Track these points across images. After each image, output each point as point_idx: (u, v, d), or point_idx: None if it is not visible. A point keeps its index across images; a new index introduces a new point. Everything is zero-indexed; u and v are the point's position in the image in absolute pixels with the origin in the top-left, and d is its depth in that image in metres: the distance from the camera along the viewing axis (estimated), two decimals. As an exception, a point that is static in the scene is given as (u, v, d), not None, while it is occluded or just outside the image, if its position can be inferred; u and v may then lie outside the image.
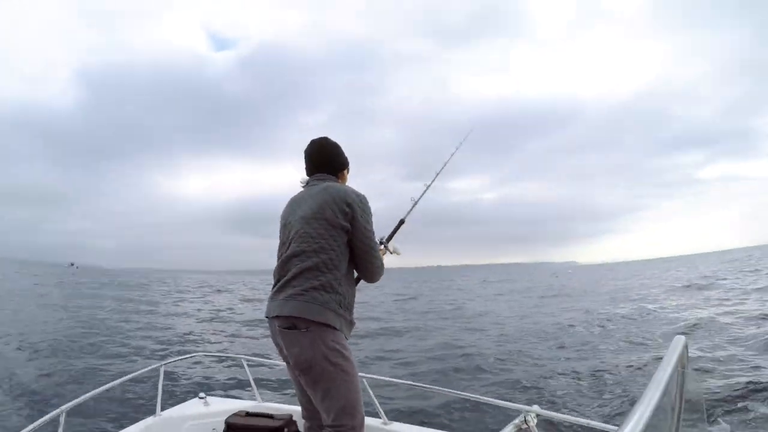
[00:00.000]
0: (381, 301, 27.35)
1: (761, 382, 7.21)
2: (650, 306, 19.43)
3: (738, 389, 7.05)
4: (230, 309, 24.57)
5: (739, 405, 6.34)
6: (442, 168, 3.63)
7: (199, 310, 23.98)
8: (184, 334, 15.60)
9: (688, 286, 28.02)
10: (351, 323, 2.53)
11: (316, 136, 2.82)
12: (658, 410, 1.02)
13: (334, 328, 2.39)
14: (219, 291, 39.32)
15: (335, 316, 2.40)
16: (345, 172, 2.86)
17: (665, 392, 1.07)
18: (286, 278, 2.47)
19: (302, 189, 2.78)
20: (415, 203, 3.34)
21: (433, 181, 3.51)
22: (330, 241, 2.44)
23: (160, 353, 12.45)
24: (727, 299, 19.33)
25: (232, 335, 15.71)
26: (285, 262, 2.52)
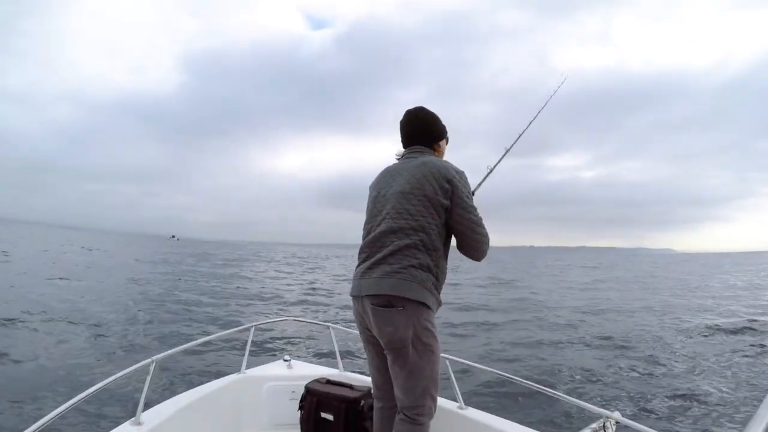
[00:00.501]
0: (476, 284, 26.83)
1: None
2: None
3: None
4: (320, 283, 25.27)
5: None
6: (526, 128, 3.40)
7: (289, 284, 24.85)
8: (275, 299, 16.26)
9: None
10: (440, 303, 2.46)
11: (413, 104, 2.66)
12: None
13: (429, 307, 2.34)
14: (310, 268, 39.94)
15: (430, 296, 2.34)
16: (443, 143, 2.74)
17: None
18: (381, 254, 2.37)
19: (397, 161, 2.68)
20: (491, 171, 3.10)
21: (513, 143, 3.29)
22: (429, 219, 2.35)
23: (252, 316, 13.09)
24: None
25: (324, 304, 16.18)
26: (379, 237, 2.42)
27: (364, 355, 2.73)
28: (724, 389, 8.04)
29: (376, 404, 2.70)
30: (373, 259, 2.40)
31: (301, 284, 23.85)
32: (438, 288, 2.41)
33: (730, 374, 9.02)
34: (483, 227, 2.44)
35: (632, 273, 45.30)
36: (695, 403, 7.32)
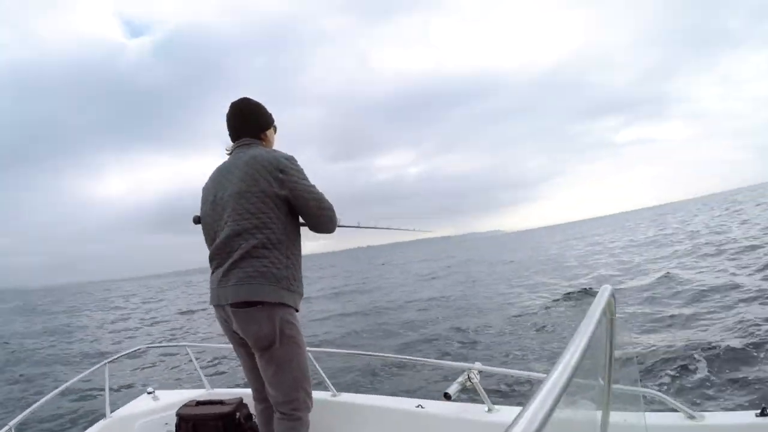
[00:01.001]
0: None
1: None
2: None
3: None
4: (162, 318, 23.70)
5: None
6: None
7: (136, 318, 23.18)
8: (126, 330, 15.16)
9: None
10: (301, 295, 2.51)
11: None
12: (587, 357, 1.06)
13: (289, 305, 2.39)
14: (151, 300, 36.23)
15: (288, 293, 2.38)
16: (270, 132, 2.71)
17: (591, 339, 1.08)
18: (231, 260, 2.36)
19: (228, 156, 2.63)
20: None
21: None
22: (270, 214, 2.36)
23: (104, 353, 12.12)
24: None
25: (172, 328, 15.38)
26: (226, 242, 2.39)
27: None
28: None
29: (258, 406, 2.71)
30: (225, 266, 2.38)
31: (144, 320, 22.12)
32: (295, 281, 2.45)
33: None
34: (326, 201, 2.49)
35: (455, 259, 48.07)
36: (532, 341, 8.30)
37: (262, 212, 2.36)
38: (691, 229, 30.69)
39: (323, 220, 2.50)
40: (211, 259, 2.50)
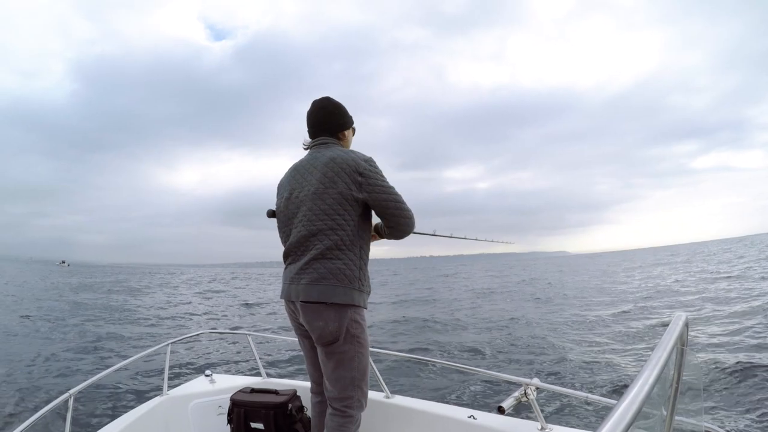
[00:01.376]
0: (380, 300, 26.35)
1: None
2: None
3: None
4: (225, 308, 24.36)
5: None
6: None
7: (198, 304, 23.91)
8: (188, 315, 15.69)
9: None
10: (369, 293, 2.53)
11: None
12: (656, 388, 1.03)
13: (357, 305, 2.42)
14: (215, 292, 35.63)
15: (358, 293, 2.41)
16: (348, 132, 2.74)
17: (663, 369, 1.07)
18: (305, 259, 2.41)
19: (305, 152, 2.67)
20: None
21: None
22: (345, 216, 2.39)
23: (166, 335, 12.59)
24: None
25: (238, 315, 15.79)
26: (301, 241, 2.45)
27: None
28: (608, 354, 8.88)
29: (314, 399, 2.74)
30: (299, 263, 2.43)
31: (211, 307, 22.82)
32: (364, 281, 2.47)
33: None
34: (405, 204, 2.49)
35: (532, 274, 47.04)
36: (591, 365, 7.98)
37: (337, 214, 2.38)
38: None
39: (402, 222, 2.50)
40: (286, 255, 2.55)
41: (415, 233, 2.70)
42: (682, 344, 1.41)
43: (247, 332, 4.29)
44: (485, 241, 3.88)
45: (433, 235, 3.15)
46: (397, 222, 2.48)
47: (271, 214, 2.71)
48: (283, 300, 2.60)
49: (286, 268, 2.55)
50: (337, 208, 2.38)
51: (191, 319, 16.64)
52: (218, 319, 16.19)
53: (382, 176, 2.48)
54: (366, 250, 2.52)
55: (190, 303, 23.21)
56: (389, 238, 2.63)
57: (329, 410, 2.52)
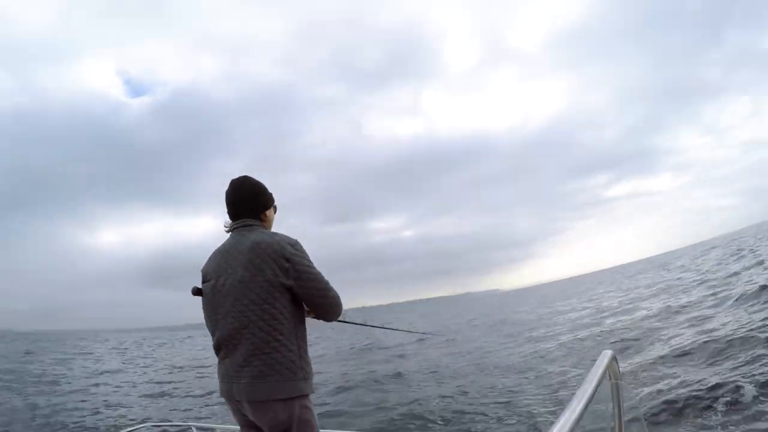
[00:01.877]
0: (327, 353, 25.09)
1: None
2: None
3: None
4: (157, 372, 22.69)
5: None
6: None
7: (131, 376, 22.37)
8: (120, 404, 14.52)
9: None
10: (312, 375, 2.46)
11: (233, 176, 2.62)
12: (591, 427, 1.03)
13: (306, 394, 2.38)
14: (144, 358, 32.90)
15: (303, 382, 2.36)
16: (270, 212, 2.69)
17: (589, 403, 1.11)
18: (242, 354, 2.33)
19: (228, 235, 2.60)
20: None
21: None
22: (276, 304, 2.32)
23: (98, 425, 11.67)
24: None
25: (174, 401, 14.78)
26: (233, 335, 2.36)
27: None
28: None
29: None
30: (236, 359, 2.35)
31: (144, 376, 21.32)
32: (307, 368, 2.40)
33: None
34: (331, 290, 2.46)
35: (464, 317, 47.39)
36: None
37: (267, 303, 2.32)
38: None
39: (328, 309, 2.49)
40: (218, 348, 2.47)
41: (343, 322, 2.71)
42: (616, 378, 1.43)
43: (191, 423, 4.15)
44: (410, 332, 3.87)
45: (363, 324, 3.19)
46: (324, 310, 2.49)
47: (197, 292, 2.60)
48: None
49: (220, 363, 2.46)
50: (266, 297, 2.32)
51: (127, 405, 15.39)
52: (157, 406, 15.05)
53: (309, 260, 2.45)
54: (303, 335, 2.47)
55: (119, 372, 21.83)
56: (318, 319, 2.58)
57: None
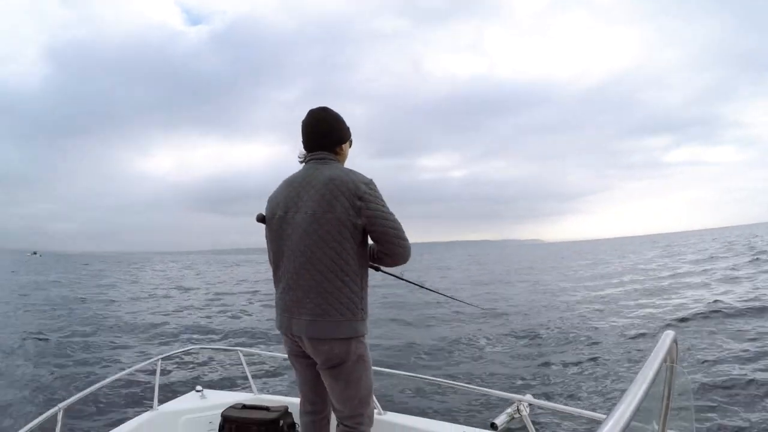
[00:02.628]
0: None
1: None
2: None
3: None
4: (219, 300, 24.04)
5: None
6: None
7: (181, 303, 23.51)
8: (178, 328, 15.46)
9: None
10: (367, 315, 2.45)
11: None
12: (644, 405, 1.05)
13: (362, 335, 2.40)
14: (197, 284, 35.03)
15: (362, 324, 2.38)
16: (346, 146, 2.62)
17: (650, 386, 1.09)
18: (304, 290, 2.33)
19: (301, 165, 2.56)
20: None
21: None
22: (344, 243, 2.30)
23: (155, 348, 12.45)
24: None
25: (229, 328, 15.57)
26: (297, 268, 2.35)
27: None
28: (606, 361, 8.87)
29: (305, 418, 2.69)
30: (297, 294, 2.36)
31: (195, 302, 22.51)
32: (365, 308, 2.41)
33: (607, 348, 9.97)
34: (404, 234, 2.41)
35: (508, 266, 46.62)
36: (589, 377, 7.96)
37: (336, 241, 2.30)
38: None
39: (398, 252, 2.42)
40: (278, 279, 2.49)
41: (384, 272, 2.67)
42: (671, 361, 1.43)
43: (237, 348, 4.26)
44: (445, 296, 3.77)
45: (399, 278, 3.07)
46: (393, 252, 2.41)
47: (261, 218, 2.60)
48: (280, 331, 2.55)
49: (280, 295, 2.48)
50: (336, 235, 2.30)
51: (184, 329, 16.39)
52: (211, 330, 15.98)
53: (383, 201, 2.40)
54: (366, 277, 2.46)
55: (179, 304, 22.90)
56: (377, 263, 2.56)
57: (339, 428, 2.51)
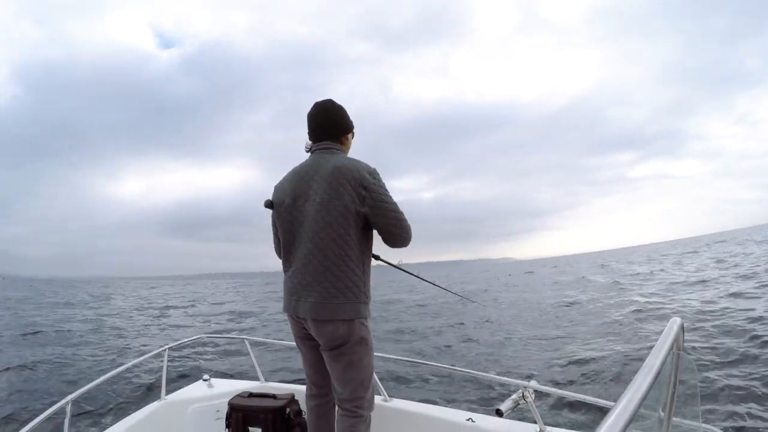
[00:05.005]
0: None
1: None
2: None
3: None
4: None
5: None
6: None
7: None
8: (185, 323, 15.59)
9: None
10: (370, 299, 2.54)
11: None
12: (652, 392, 1.05)
13: (365, 317, 2.48)
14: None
15: (365, 307, 2.46)
16: (350, 136, 2.73)
17: (658, 374, 1.10)
18: (311, 274, 2.42)
19: (308, 155, 2.65)
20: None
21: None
22: (350, 230, 2.38)
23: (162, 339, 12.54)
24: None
25: (234, 320, 15.71)
26: (306, 253, 2.44)
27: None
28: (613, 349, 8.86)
29: (311, 402, 2.75)
30: (306, 279, 2.44)
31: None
32: (367, 292, 2.50)
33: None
34: (406, 220, 2.51)
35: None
36: (592, 366, 7.98)
37: (342, 227, 2.38)
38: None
39: (400, 239, 2.51)
40: (288, 264, 2.56)
41: (382, 261, 2.72)
42: (678, 348, 1.44)
43: (244, 336, 4.29)
44: (446, 290, 3.76)
45: (396, 267, 3.11)
46: (395, 239, 2.50)
47: (269, 204, 2.66)
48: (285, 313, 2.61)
49: (289, 279, 2.55)
50: (342, 221, 2.38)
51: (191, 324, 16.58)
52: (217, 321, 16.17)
53: (386, 190, 2.48)
54: (369, 262, 2.54)
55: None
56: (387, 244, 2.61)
57: (340, 411, 2.56)
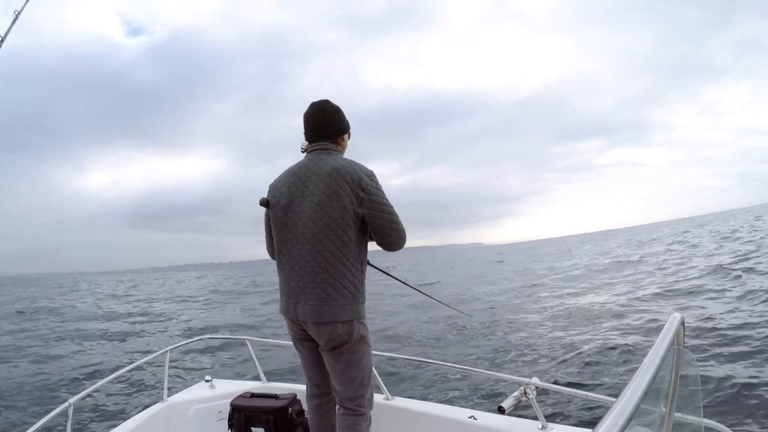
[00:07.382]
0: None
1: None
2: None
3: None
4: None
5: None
6: None
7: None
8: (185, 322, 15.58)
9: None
10: (365, 301, 2.56)
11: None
12: (653, 387, 1.06)
13: (363, 318, 2.50)
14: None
15: (362, 306, 2.48)
16: (345, 137, 2.72)
17: (658, 370, 1.10)
18: (309, 276, 2.41)
19: (303, 155, 2.64)
20: None
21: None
22: (348, 231, 2.39)
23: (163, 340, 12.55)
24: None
25: (234, 321, 15.69)
26: (304, 256, 2.43)
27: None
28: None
29: (312, 402, 2.76)
30: (304, 281, 2.43)
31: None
32: (365, 293, 2.52)
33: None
34: (401, 223, 2.52)
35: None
36: (596, 362, 7.97)
37: (340, 228, 2.39)
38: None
39: (394, 242, 2.52)
40: (282, 266, 2.55)
41: (372, 266, 2.76)
42: (678, 344, 1.44)
43: (245, 337, 4.29)
44: (434, 299, 3.76)
45: (385, 272, 3.16)
46: (389, 242, 2.52)
47: (265, 203, 2.65)
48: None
49: (285, 281, 2.54)
50: (340, 222, 2.38)
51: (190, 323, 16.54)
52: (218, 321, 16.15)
53: (382, 192, 2.48)
54: (365, 262, 2.56)
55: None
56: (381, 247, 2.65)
57: (340, 411, 2.57)
